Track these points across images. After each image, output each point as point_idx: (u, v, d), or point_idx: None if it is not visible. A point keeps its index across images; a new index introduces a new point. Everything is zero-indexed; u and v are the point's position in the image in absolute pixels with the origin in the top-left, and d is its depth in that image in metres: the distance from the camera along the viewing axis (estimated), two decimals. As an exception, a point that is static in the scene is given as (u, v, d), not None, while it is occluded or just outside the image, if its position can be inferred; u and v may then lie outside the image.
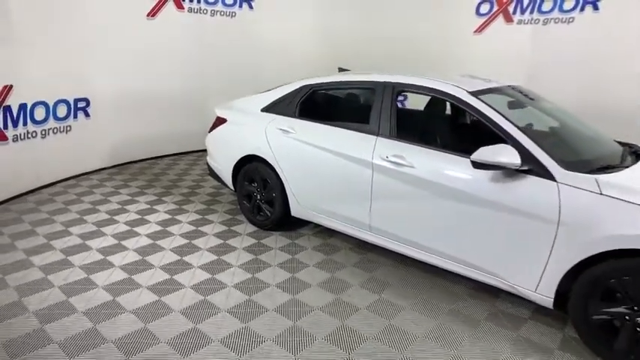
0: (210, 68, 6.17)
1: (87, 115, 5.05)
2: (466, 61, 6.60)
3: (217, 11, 6.20)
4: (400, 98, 6.64)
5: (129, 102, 5.49)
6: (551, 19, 5.97)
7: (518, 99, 3.13)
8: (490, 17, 6.53)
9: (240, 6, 6.43)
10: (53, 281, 2.83)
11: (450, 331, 2.44)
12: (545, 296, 2.32)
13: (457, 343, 2.35)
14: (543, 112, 3.13)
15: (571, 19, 5.81)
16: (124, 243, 3.39)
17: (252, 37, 6.52)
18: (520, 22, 6.26)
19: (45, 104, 4.53)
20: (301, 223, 3.73)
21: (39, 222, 3.73)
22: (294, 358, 2.20)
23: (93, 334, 2.32)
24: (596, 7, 5.54)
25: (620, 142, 2.98)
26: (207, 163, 4.16)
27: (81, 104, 4.96)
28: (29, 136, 4.39)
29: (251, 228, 3.74)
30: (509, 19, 6.34)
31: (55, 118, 4.66)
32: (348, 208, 3.09)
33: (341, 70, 3.95)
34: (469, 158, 2.35)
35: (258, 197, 3.66)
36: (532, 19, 6.16)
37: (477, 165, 2.33)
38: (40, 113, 4.48)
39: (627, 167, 2.42)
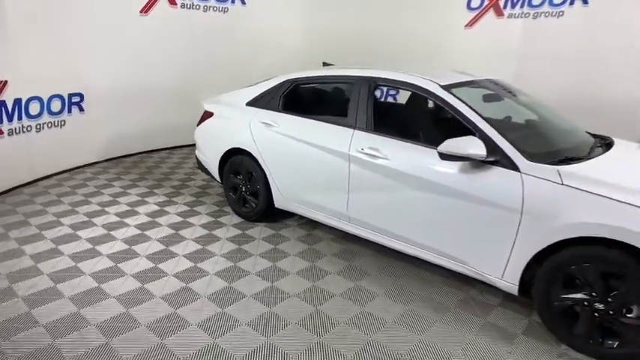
0: (202, 63, 6.25)
1: (81, 109, 5.15)
2: (458, 55, 6.64)
3: (210, 7, 6.27)
4: (392, 92, 6.74)
5: (123, 97, 5.57)
6: (542, 12, 6.00)
7: (495, 92, 3.20)
8: (481, 11, 6.55)
9: (233, 1, 6.49)
10: (42, 269, 2.94)
11: (420, 317, 2.53)
12: (511, 283, 2.40)
13: (425, 328, 2.44)
14: (520, 105, 3.20)
15: (561, 13, 5.83)
16: (113, 233, 3.50)
17: (244, 33, 6.59)
18: (511, 15, 6.28)
19: (39, 99, 4.63)
20: (287, 215, 3.82)
21: (32, 213, 3.84)
22: (266, 340, 2.30)
23: (77, 318, 2.43)
24: (585, 1, 5.56)
25: (593, 134, 3.05)
26: (196, 156, 4.26)
27: (75, 99, 5.06)
28: (24, 130, 4.50)
29: (237, 219, 3.84)
30: (499, 13, 6.36)
31: (49, 113, 4.76)
32: (327, 199, 3.17)
33: (325, 64, 4.02)
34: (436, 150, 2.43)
35: (244, 189, 3.75)
36: (522, 13, 6.18)
37: (444, 156, 2.40)
38: (34, 108, 4.58)
39: (593, 158, 2.49)
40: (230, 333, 2.34)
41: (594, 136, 3.04)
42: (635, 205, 2.00)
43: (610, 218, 2.03)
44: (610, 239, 2.03)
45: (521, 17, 6.19)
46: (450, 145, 2.38)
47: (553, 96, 5.84)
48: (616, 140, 2.95)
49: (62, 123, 4.94)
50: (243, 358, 2.16)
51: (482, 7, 6.54)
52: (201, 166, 4.23)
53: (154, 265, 3.04)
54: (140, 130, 5.91)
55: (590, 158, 2.48)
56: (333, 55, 6.37)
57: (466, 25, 6.71)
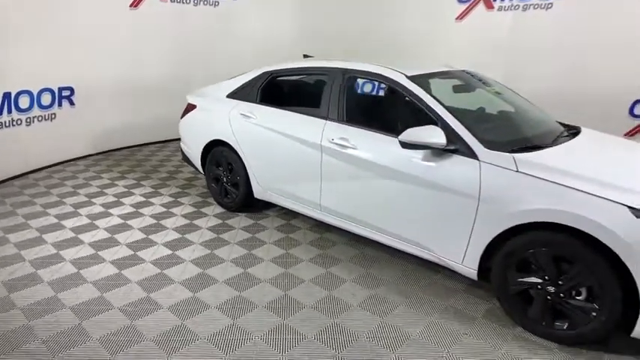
0: (193, 57, 6.33)
1: (72, 103, 5.25)
2: (450, 48, 6.67)
3: (200, 1, 6.33)
4: (383, 86, 6.79)
5: (113, 91, 5.66)
6: (531, 5, 6.01)
7: (466, 83, 3.25)
8: (471, 4, 6.56)
9: (224, -5, 6.56)
10: (25, 256, 3.04)
11: (384, 301, 2.61)
12: (470, 268, 2.48)
13: (388, 311, 2.52)
14: (491, 96, 3.26)
15: (549, 5, 5.84)
16: (97, 222, 3.60)
17: (234, 27, 6.66)
18: (500, 8, 6.29)
19: (29, 93, 4.74)
20: (268, 206, 3.90)
21: (20, 204, 3.95)
22: (233, 322, 2.39)
23: (53, 302, 2.53)
24: (572, -7, 5.57)
25: (563, 124, 3.10)
26: (181, 148, 4.35)
27: (65, 93, 5.16)
28: (14, 123, 4.61)
29: (219, 210, 3.93)
30: (489, 5, 6.37)
31: (39, 107, 4.86)
32: (302, 189, 3.25)
33: (305, 56, 4.08)
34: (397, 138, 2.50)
35: (225, 180, 3.84)
36: (512, 6, 6.19)
37: (405, 145, 2.47)
38: (24, 102, 4.68)
39: (553, 146, 2.54)
40: (199, 315, 2.44)
41: (564, 125, 3.09)
42: (584, 192, 2.06)
43: (560, 204, 2.10)
44: (560, 224, 2.10)
45: (511, 10, 6.21)
46: (411, 134, 2.45)
47: (542, 87, 5.89)
48: (583, 130, 3.00)
49: (53, 116, 5.04)
50: (208, 338, 2.25)
51: (473, 0, 6.56)
52: (185, 158, 4.32)
53: (133, 252, 3.13)
54: (131, 123, 6.00)
55: (550, 146, 2.53)
56: (324, 49, 6.43)
57: (457, 18, 6.73)
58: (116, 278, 2.80)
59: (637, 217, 1.94)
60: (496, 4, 6.33)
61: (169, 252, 3.15)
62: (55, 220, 3.62)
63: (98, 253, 3.11)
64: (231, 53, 6.61)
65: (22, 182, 4.54)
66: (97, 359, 2.09)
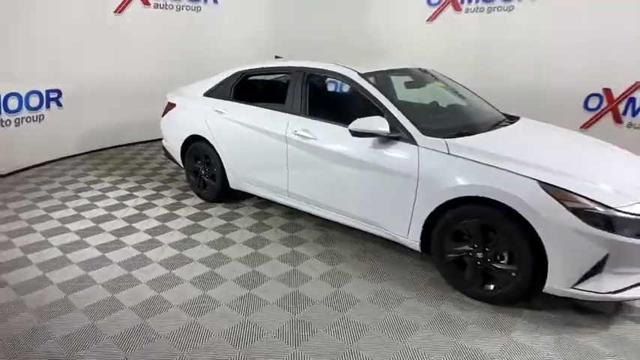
0: (176, 60, 6.60)
1: (59, 104, 5.51)
2: (422, 48, 7.03)
3: (183, 6, 6.63)
4: (339, 82, 7.14)
5: (101, 93, 5.92)
6: (495, 7, 6.38)
7: (418, 79, 3.60)
8: (441, 6, 6.92)
9: (206, 0, 6.86)
10: (16, 243, 3.31)
11: (341, 274, 2.93)
12: (414, 241, 2.80)
13: (343, 282, 2.83)
14: (441, 90, 3.60)
15: (511, 7, 6.21)
16: (83, 214, 3.87)
17: (216, 30, 6.97)
18: (467, 10, 6.66)
19: (17, 95, 5.00)
20: (245, 196, 4.20)
21: (11, 199, 4.21)
22: (203, 293, 2.69)
23: (42, 280, 2.81)
24: (532, -4, 5.94)
25: (505, 114, 3.45)
26: (163, 145, 4.64)
27: (53, 95, 5.42)
28: (3, 124, 4.87)
29: (198, 201, 4.22)
30: (457, 7, 6.74)
31: (27, 108, 5.13)
32: (271, 177, 3.56)
33: (277, 57, 4.40)
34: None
35: (203, 173, 4.13)
36: (478, 8, 6.57)
37: (354, 133, 2.80)
38: (12, 103, 4.94)
39: (486, 132, 2.89)
40: (172, 289, 2.73)
41: (506, 115, 3.44)
42: (502, 169, 2.40)
43: (482, 180, 2.44)
44: (484, 197, 2.43)
45: (477, 12, 6.59)
46: (359, 123, 2.77)
47: (506, 84, 6.27)
48: (522, 119, 3.36)
49: (41, 117, 5.30)
50: (180, 307, 2.55)
51: (442, 3, 6.92)
52: (167, 154, 4.61)
53: (116, 238, 3.42)
54: (117, 124, 6.27)
55: (484, 132, 2.87)
56: (298, 50, 6.77)
57: (428, 20, 7.09)
58: (101, 260, 3.08)
59: (544, 189, 2.28)
60: (463, 7, 6.69)
61: (150, 237, 3.44)
62: (44, 213, 3.89)
63: (83, 239, 3.39)
64: (212, 55, 6.89)
65: (13, 179, 4.80)
66: (56, 352, 2.38)
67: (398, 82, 3.40)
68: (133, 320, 2.42)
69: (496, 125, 3.11)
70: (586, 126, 5.65)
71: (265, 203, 4.11)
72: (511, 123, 3.23)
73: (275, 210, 3.99)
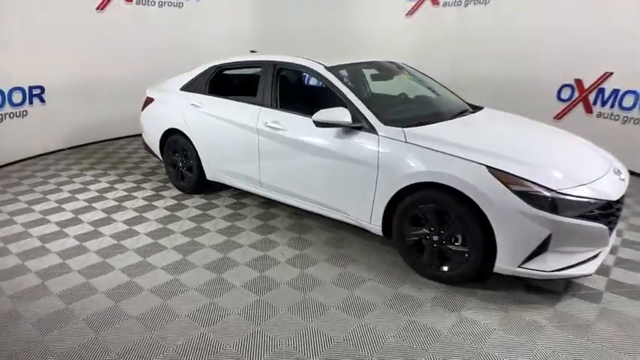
0: (159, 56, 6.66)
1: (42, 100, 5.58)
2: (401, 41, 7.17)
3: (165, 2, 6.69)
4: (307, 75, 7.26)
5: (84, 89, 6.00)
6: (471, 0, 6.51)
7: (386, 72, 3.72)
8: (419, 1, 7.03)
9: (188, -3, 6.93)
10: (-3, 234, 3.43)
11: (308, 258, 3.05)
12: (376, 226, 2.93)
13: (309, 265, 2.96)
14: (409, 82, 3.72)
15: (487, 1, 6.34)
16: (63, 206, 3.98)
17: (197, 26, 7.05)
18: (445, 4, 6.79)
19: (0, 92, 5.07)
20: (223, 188, 4.31)
21: (-7, 193, 4.31)
22: (174, 278, 2.81)
23: (20, 269, 2.92)
24: (506, -11, 6.07)
25: (471, 105, 3.58)
26: (143, 139, 4.73)
27: (36, 91, 5.49)
28: (-14, 120, 4.95)
29: (177, 192, 4.33)
30: (435, 2, 6.86)
31: (10, 104, 5.20)
32: (245, 168, 3.67)
33: (252, 52, 4.49)
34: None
35: (181, 165, 4.24)
36: (455, 2, 6.69)
37: (318, 124, 2.91)
38: (-5, 100, 5.03)
39: (446, 121, 3.02)
40: (144, 275, 2.85)
41: (471, 106, 3.57)
42: (454, 155, 2.53)
43: (436, 166, 2.57)
44: (438, 183, 2.56)
45: (455, 5, 6.71)
46: (322, 114, 2.89)
47: (482, 76, 6.40)
48: (485, 109, 3.49)
49: (24, 113, 5.38)
50: (151, 290, 2.67)
51: (420, -3, 7.03)
52: (147, 148, 4.71)
53: (94, 228, 3.53)
54: (101, 120, 6.35)
55: (443, 121, 3.01)
56: (279, 45, 6.86)
57: (407, 14, 7.21)
58: (78, 249, 3.19)
59: (492, 174, 2.41)
60: (441, 1, 6.81)
61: (127, 227, 3.55)
62: (25, 205, 3.98)
63: (63, 229, 3.50)
64: (194, 51, 6.93)
65: (-4, 174, 4.89)
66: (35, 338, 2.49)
67: (365, 74, 3.51)
68: (105, 303, 2.54)
69: (458, 115, 3.24)
70: (559, 117, 5.80)
71: (242, 194, 4.23)
72: (473, 113, 3.36)
73: (251, 200, 4.11)
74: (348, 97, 2.99)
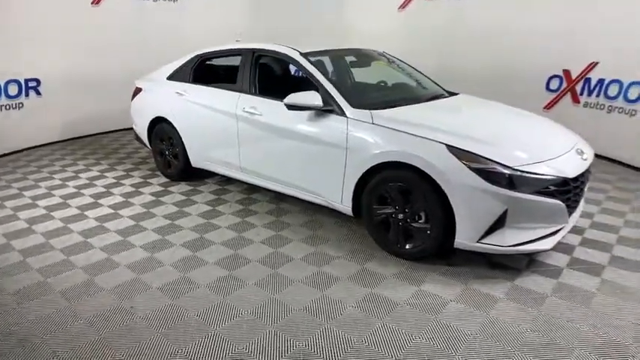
0: (154, 49, 6.77)
1: (38, 93, 5.74)
2: (393, 34, 7.24)
3: (160, -3, 6.83)
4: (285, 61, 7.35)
5: (79, 82, 6.14)
6: (459, -7, 6.55)
7: (363, 59, 3.81)
8: (410, -6, 7.08)
9: (182, -10, 7.06)
10: (-14, 217, 3.57)
11: (282, 239, 3.15)
12: (347, 206, 3.02)
13: (283, 245, 3.06)
14: (386, 68, 3.80)
15: (475, -6, 6.38)
16: (53, 192, 4.11)
17: (191, 20, 7.17)
18: (436, -3, 6.84)
19: (-4, 84, 5.24)
20: (209, 175, 4.42)
21: (-12, 180, 4.46)
22: (151, 255, 2.92)
23: (3, 247, 3.06)
24: (494, -19, 6.11)
25: (447, 91, 3.66)
26: (133, 129, 4.86)
27: (32, 84, 5.65)
28: (-17, 111, 5.11)
29: (165, 180, 4.45)
30: (427, -6, 6.91)
31: (6, 96, 5.36)
32: (226, 154, 3.77)
33: (237, 41, 4.60)
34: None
35: (167, 153, 4.36)
36: (445, -5, 6.73)
37: (290, 107, 3.01)
38: (-9, 92, 5.19)
39: (414, 104, 3.10)
40: (122, 253, 2.96)
41: (448, 92, 3.65)
42: (415, 135, 2.61)
43: (398, 146, 2.65)
44: (402, 163, 2.64)
45: (445, -1, 6.75)
46: (293, 97, 2.98)
47: (473, 67, 6.45)
48: (460, 95, 3.57)
49: (20, 105, 5.54)
50: (126, 266, 2.78)
51: (412, -10, 7.09)
52: (137, 138, 4.84)
53: (80, 212, 3.65)
54: (96, 112, 6.50)
55: (413, 104, 3.09)
56: (268, 37, 6.97)
57: (399, 8, 7.27)
58: (62, 229, 3.32)
59: (451, 152, 2.49)
60: (432, -6, 6.86)
61: (112, 211, 3.67)
62: (17, 191, 4.13)
63: (50, 213, 3.63)
64: (188, 44, 6.97)
65: (-8, 164, 5.05)
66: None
67: (342, 61, 3.60)
68: (81, 277, 2.66)
69: (430, 99, 3.32)
70: (548, 107, 5.83)
71: (226, 181, 4.34)
72: (445, 97, 3.44)
73: (235, 187, 4.21)
74: (320, 80, 3.09)
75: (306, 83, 3.26)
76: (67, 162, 5.11)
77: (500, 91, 6.07)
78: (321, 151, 3.03)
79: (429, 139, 2.55)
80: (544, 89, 5.85)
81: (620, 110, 5.01)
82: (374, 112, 2.85)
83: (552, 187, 2.46)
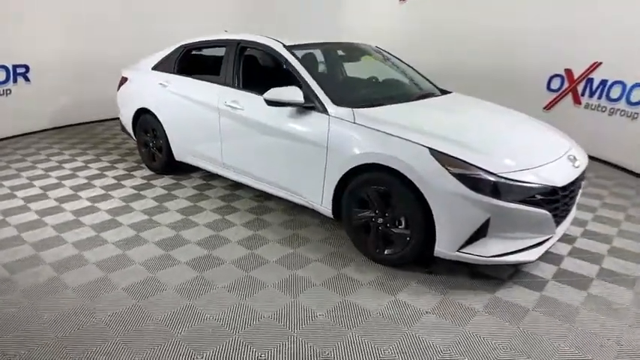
0: (144, 36, 6.61)
1: (27, 79, 5.63)
2: (394, 29, 7.07)
3: (152, -17, 6.68)
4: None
5: (71, 69, 6.04)
6: (464, -13, 6.35)
7: (353, 53, 3.67)
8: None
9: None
10: (-38, 207, 3.49)
11: (261, 239, 3.05)
12: (327, 208, 2.91)
13: (259, 246, 2.96)
14: (376, 63, 3.66)
15: (480, -12, 6.18)
16: (35, 182, 4.02)
17: (182, 8, 7.02)
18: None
19: (-17, 70, 5.14)
20: (194, 169, 4.32)
21: (-30, 168, 4.38)
22: (122, 253, 2.83)
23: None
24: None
25: (440, 89, 3.53)
26: (119, 119, 4.76)
27: (20, 70, 5.54)
28: (-31, 97, 5.01)
29: (148, 173, 4.35)
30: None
31: (-6, 82, 5.27)
32: (208, 148, 3.66)
33: (226, 32, 4.45)
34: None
35: (151, 145, 4.25)
36: (450, -13, 6.53)
37: (269, 103, 2.88)
38: (-22, 77, 5.09)
39: (401, 103, 2.97)
40: (94, 249, 2.87)
41: (441, 90, 3.52)
42: (396, 136, 2.48)
43: (379, 147, 2.52)
44: (383, 165, 2.52)
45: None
46: (274, 92, 2.85)
47: (472, 65, 6.28)
48: (452, 93, 3.44)
49: (8, 92, 5.44)
50: (96, 264, 2.69)
51: (414, -18, 6.90)
52: (123, 129, 4.73)
53: (58, 204, 3.57)
54: (90, 100, 6.39)
55: (397, 103, 2.95)
56: (264, 29, 6.81)
57: (400, 0, 7.09)
58: (36, 222, 3.23)
59: (433, 156, 2.36)
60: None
61: (90, 204, 3.58)
62: (-3, 180, 4.06)
63: (27, 204, 3.54)
64: (180, 33, 6.88)
65: (-23, 151, 4.97)
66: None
67: (330, 55, 3.46)
68: (48, 274, 2.57)
69: (420, 97, 3.18)
70: (548, 107, 5.67)
71: (211, 176, 4.23)
72: (436, 96, 3.30)
73: (219, 182, 4.11)
74: (303, 75, 2.95)
75: (291, 78, 3.13)
76: (54, 151, 5.02)
77: (500, 88, 5.91)
78: (302, 150, 2.91)
79: (411, 142, 2.42)
80: (545, 88, 5.67)
81: (622, 113, 4.84)
82: (356, 110, 2.72)
83: (539, 196, 2.33)
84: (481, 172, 2.29)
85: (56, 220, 3.29)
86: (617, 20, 4.77)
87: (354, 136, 2.64)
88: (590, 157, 5.15)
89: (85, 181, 4.09)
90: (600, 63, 5.04)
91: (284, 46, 3.17)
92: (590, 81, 5.18)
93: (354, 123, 2.67)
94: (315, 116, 2.84)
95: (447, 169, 2.31)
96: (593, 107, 5.17)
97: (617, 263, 2.80)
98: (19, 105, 5.55)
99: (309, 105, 2.85)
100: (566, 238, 3.09)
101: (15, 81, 5.50)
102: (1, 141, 5.38)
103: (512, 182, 2.28)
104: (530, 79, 5.77)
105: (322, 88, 2.87)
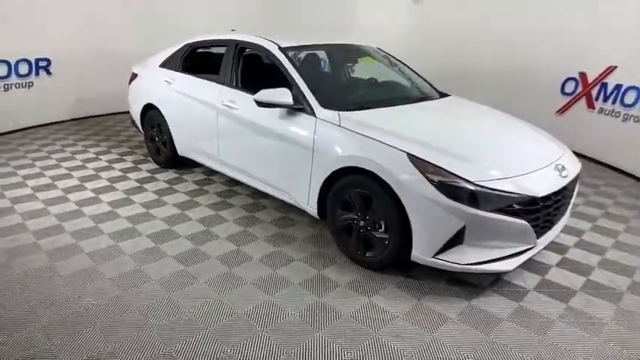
0: (165, 31, 6.77)
1: (48, 73, 5.89)
2: (407, 29, 7.02)
3: (170, -19, 6.83)
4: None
5: (90, 62, 6.26)
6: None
7: (351, 55, 3.67)
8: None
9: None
10: (-24, 194, 3.71)
11: (249, 236, 3.12)
12: (313, 208, 2.95)
13: (247, 243, 3.03)
14: (373, 65, 3.66)
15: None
16: (46, 172, 4.22)
17: (199, 2, 7.14)
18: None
19: (7, 63, 5.39)
20: (198, 164, 4.42)
21: (-10, 157, 4.63)
22: (115, 244, 2.95)
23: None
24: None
25: (440, 92, 3.51)
26: (129, 113, 4.92)
27: (42, 63, 5.79)
28: (-7, 89, 5.29)
29: (154, 166, 4.49)
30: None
31: (17, 75, 5.52)
32: (207, 145, 3.75)
33: (232, 30, 4.53)
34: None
35: (157, 140, 4.39)
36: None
37: (260, 104, 2.93)
38: (2, 70, 5.34)
39: (391, 107, 2.97)
40: (89, 240, 3.00)
41: (441, 93, 3.50)
42: (377, 140, 2.49)
43: (359, 151, 2.54)
44: (365, 169, 2.53)
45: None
46: (264, 94, 2.90)
47: (483, 66, 6.16)
48: (450, 97, 3.42)
49: (30, 84, 5.70)
50: (89, 255, 2.82)
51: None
52: (133, 123, 4.89)
53: (64, 194, 3.74)
54: (106, 93, 6.61)
55: (386, 107, 2.96)
56: (278, 28, 6.86)
57: (414, 1, 7.01)
58: (40, 211, 3.40)
59: (412, 162, 2.36)
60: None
61: (93, 195, 3.74)
62: (11, 170, 4.26)
63: (35, 193, 3.73)
64: (194, 30, 7.03)
65: (-1, 140, 5.24)
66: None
67: (325, 56, 3.48)
68: (42, 262, 2.71)
69: (415, 101, 3.18)
70: (561, 111, 5.52)
71: (212, 171, 4.33)
72: (433, 99, 3.28)
73: (219, 178, 4.20)
74: (294, 77, 2.99)
75: (282, 77, 3.17)
76: (69, 142, 5.24)
77: (512, 91, 5.79)
78: (290, 150, 2.96)
79: (390, 146, 2.43)
80: (559, 92, 5.52)
81: (636, 119, 4.66)
82: (342, 113, 2.74)
83: (517, 206, 2.30)
84: (459, 180, 2.27)
85: (59, 209, 3.45)
86: (632, 24, 4.59)
87: (338, 138, 2.67)
88: (602, 164, 5.05)
89: (93, 172, 4.27)
90: (615, 67, 4.86)
91: (279, 47, 3.21)
92: (605, 85, 5.01)
93: (339, 126, 2.69)
94: (303, 118, 2.88)
95: (425, 175, 2.31)
96: (607, 112, 5.00)
97: (605, 276, 2.73)
98: (40, 97, 5.81)
99: (298, 107, 2.89)
100: (557, 248, 3.03)
101: (37, 74, 5.75)
102: (22, 131, 5.66)
103: (489, 191, 2.26)
104: (545, 81, 5.62)
105: (311, 91, 2.90)
